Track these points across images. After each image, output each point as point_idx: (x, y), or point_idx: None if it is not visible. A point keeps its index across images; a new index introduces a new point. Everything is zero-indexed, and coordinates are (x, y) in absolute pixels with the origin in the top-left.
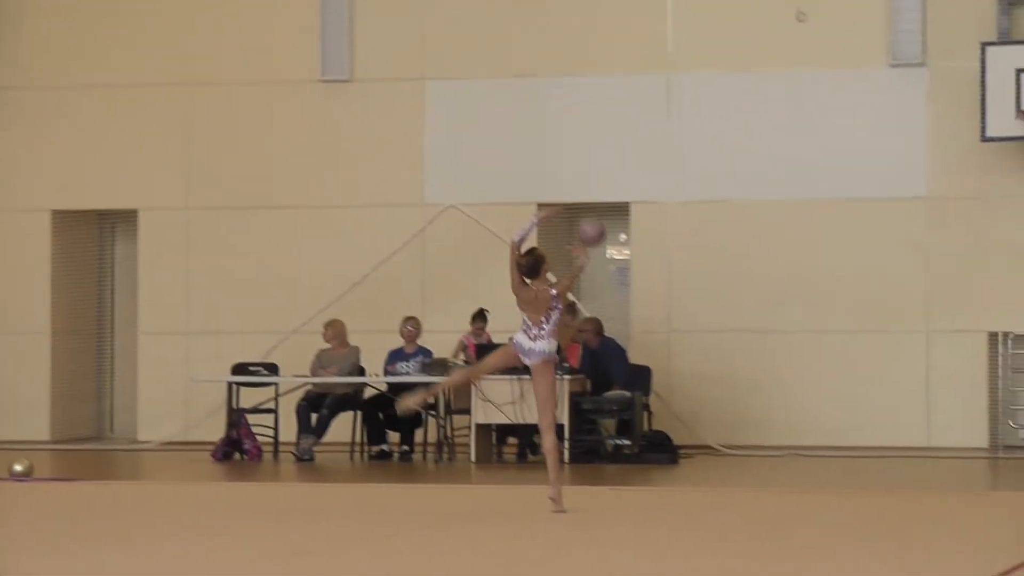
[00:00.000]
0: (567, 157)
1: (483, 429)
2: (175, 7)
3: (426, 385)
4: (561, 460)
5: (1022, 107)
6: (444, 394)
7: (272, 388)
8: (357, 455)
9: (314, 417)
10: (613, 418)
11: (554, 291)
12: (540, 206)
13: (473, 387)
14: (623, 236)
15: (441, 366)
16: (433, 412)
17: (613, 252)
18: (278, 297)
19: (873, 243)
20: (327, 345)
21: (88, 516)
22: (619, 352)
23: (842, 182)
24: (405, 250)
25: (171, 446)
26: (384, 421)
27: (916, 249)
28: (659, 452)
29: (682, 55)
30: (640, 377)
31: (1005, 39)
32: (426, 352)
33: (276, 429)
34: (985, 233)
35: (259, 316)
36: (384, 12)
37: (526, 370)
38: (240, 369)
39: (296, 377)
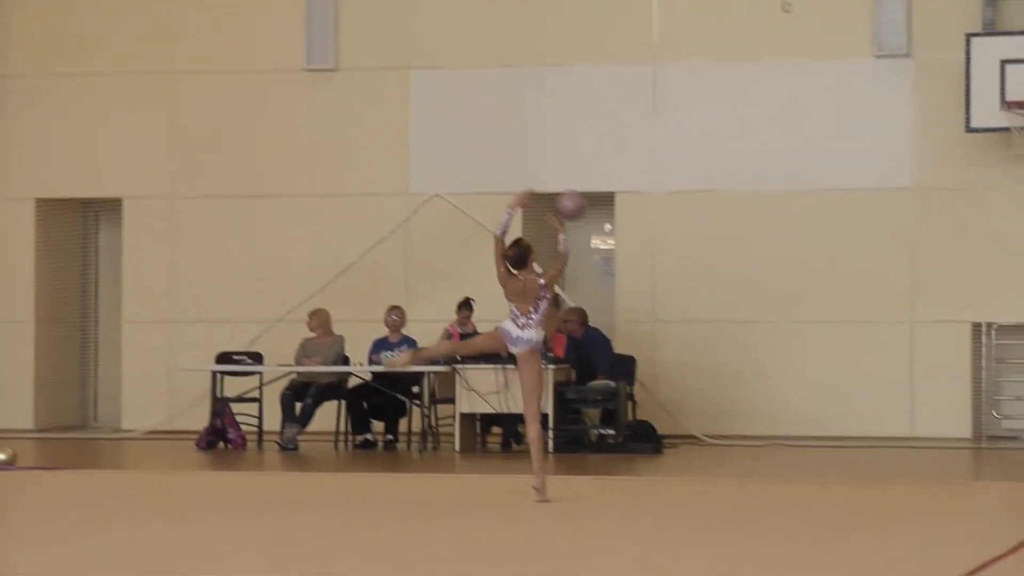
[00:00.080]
0: (552, 147)
1: (467, 418)
2: None
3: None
4: (545, 450)
5: (1007, 98)
6: (429, 383)
7: (256, 377)
8: (341, 444)
9: (298, 406)
10: (597, 408)
11: (542, 280)
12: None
13: (457, 376)
14: (608, 226)
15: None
16: (417, 401)
17: (598, 242)
18: (262, 286)
19: (858, 234)
20: (312, 334)
21: (72, 505)
22: (604, 342)
23: (827, 173)
24: (390, 239)
25: (155, 435)
26: (368, 410)
27: (900, 240)
28: (643, 442)
29: (667, 46)
30: (624, 367)
31: (990, 30)
32: (410, 341)
33: (260, 418)
34: (970, 224)
35: (243, 305)
36: (369, 1)
37: (510, 359)
38: (224, 358)
39: (280, 366)
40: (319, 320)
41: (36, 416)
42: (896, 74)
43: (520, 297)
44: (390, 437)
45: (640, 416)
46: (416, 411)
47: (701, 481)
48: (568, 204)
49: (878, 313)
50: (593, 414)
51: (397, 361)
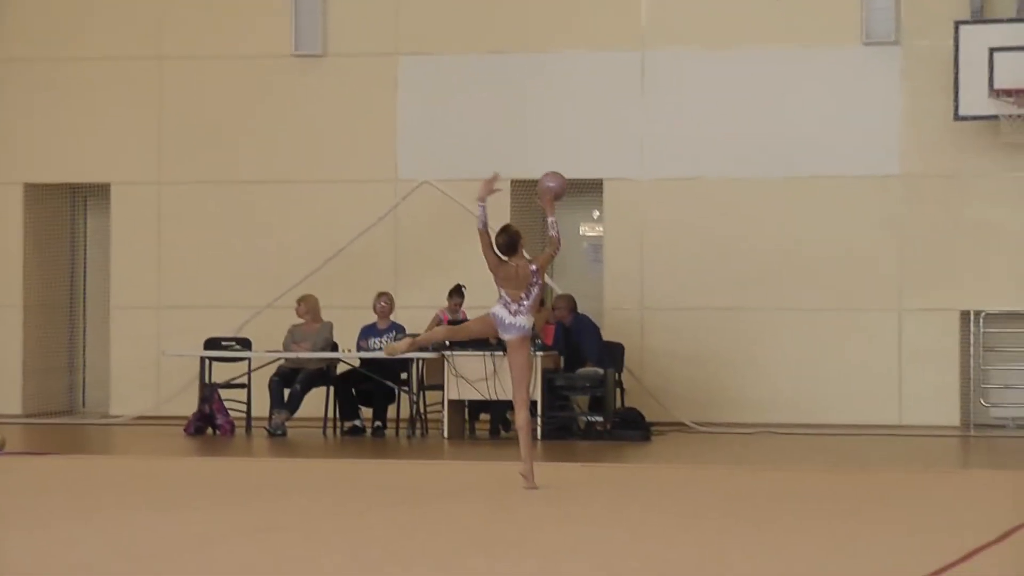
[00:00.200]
0: (541, 133)
1: (456, 405)
2: None
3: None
4: (533, 436)
5: (995, 86)
6: (418, 370)
7: (245, 363)
8: (330, 430)
9: (287, 392)
10: (586, 395)
11: (534, 266)
12: (513, 183)
13: (446, 363)
14: (596, 213)
15: None
16: (406, 388)
17: (586, 229)
18: (251, 272)
19: (846, 221)
20: (300, 320)
21: (60, 490)
22: (593, 329)
23: (815, 160)
24: (379, 226)
25: (143, 420)
26: (357, 397)
27: (889, 227)
28: (632, 429)
29: (656, 32)
30: (613, 354)
31: (978, 18)
32: (399, 328)
33: (248, 404)
34: (958, 212)
35: (232, 291)
36: None
37: (499, 346)
38: (212, 344)
39: (269, 352)
40: (307, 306)
41: (24, 401)
42: (885, 62)
43: (512, 283)
44: (378, 423)
45: (628, 403)
46: (404, 397)
47: (689, 468)
48: (550, 184)
49: (866, 301)
50: (582, 401)
51: (397, 347)
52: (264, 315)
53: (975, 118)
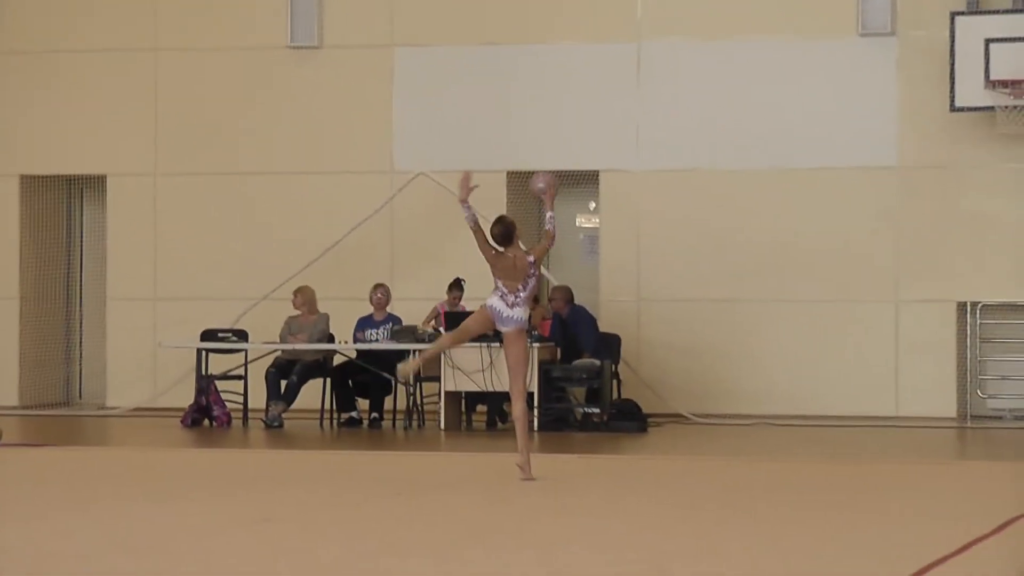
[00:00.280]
0: (536, 125)
1: (452, 396)
2: None
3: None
4: (530, 428)
5: (991, 77)
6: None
7: (241, 355)
8: (326, 422)
9: (283, 384)
10: (582, 386)
11: (531, 257)
12: (509, 174)
13: (443, 354)
14: (592, 204)
15: (410, 334)
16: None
17: (582, 220)
18: (247, 263)
19: (842, 213)
20: (296, 312)
21: (56, 481)
22: (589, 320)
23: (811, 152)
24: (375, 217)
25: (140, 412)
26: (353, 388)
27: (885, 219)
28: (628, 420)
29: (652, 23)
30: (609, 345)
31: (974, 9)
32: (395, 319)
33: (245, 396)
34: (954, 203)
35: (228, 282)
36: None
37: (496, 337)
38: (209, 335)
39: (265, 344)
40: (304, 298)
41: (21, 393)
42: (881, 53)
43: (509, 274)
44: (375, 415)
45: (625, 395)
46: (401, 389)
47: (686, 459)
48: (540, 184)
49: (863, 292)
50: (578, 392)
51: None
52: (261, 307)
53: (971, 109)
